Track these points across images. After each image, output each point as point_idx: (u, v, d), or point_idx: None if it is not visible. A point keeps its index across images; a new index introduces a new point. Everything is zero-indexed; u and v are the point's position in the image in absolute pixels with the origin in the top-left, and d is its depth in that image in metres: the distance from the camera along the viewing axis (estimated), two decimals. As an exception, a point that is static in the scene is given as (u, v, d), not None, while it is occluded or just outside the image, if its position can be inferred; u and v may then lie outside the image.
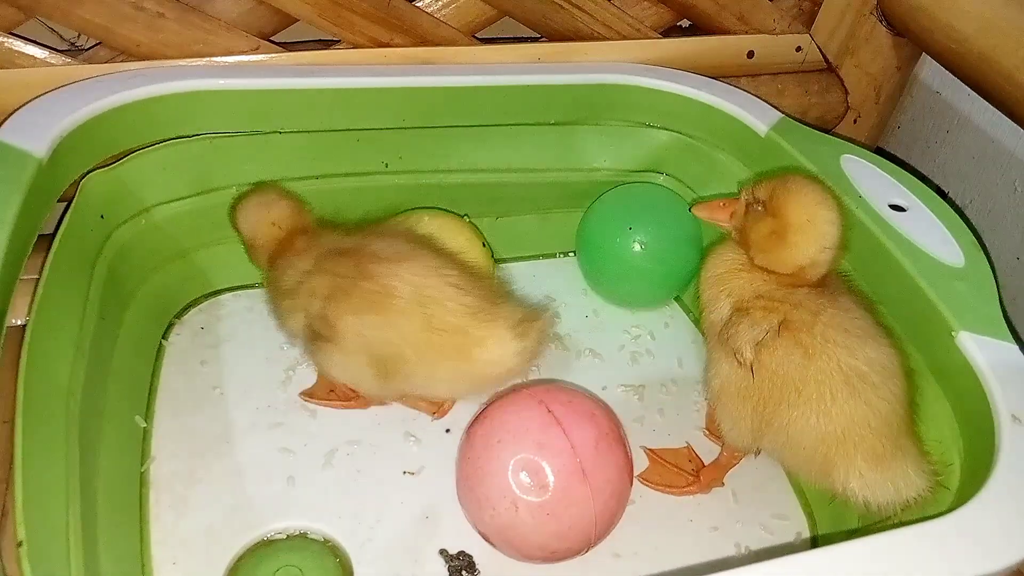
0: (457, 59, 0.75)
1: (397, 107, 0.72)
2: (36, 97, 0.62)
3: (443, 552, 0.59)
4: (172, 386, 0.68)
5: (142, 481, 0.60)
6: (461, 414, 0.67)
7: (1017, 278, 0.80)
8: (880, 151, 0.92)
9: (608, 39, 0.79)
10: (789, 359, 0.53)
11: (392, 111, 0.72)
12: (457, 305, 0.58)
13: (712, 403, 0.62)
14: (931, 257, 0.58)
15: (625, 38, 0.80)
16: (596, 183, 0.81)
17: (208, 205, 0.71)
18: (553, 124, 0.78)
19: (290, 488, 0.62)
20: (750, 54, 0.84)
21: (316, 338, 0.60)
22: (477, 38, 0.77)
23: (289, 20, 0.71)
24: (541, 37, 0.80)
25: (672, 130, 0.79)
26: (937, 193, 0.65)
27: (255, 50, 0.70)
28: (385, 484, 0.63)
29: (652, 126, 0.80)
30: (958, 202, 0.87)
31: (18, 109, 0.60)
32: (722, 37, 0.83)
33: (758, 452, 0.61)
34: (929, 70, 0.89)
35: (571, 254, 0.85)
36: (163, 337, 0.71)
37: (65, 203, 0.61)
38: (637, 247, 0.75)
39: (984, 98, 0.75)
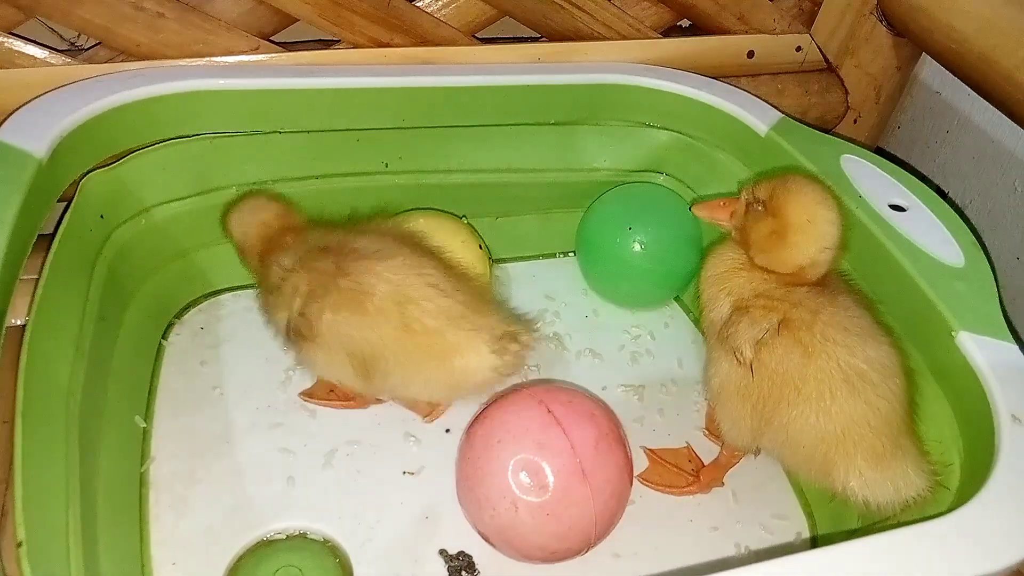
0: (457, 59, 0.75)
1: (397, 107, 0.72)
2: (36, 97, 0.62)
3: (443, 552, 0.59)
4: (172, 386, 0.68)
5: (142, 481, 0.60)
6: (461, 414, 0.67)
7: (1017, 278, 0.80)
8: (880, 151, 0.92)
9: (608, 39, 0.79)
10: (789, 358, 0.53)
11: (392, 111, 0.72)
12: (434, 306, 0.57)
13: (712, 402, 0.62)
14: (931, 257, 0.58)
15: (625, 38, 0.80)
16: (596, 183, 0.81)
17: (208, 205, 0.71)
18: (553, 124, 0.78)
19: (290, 488, 0.62)
20: (750, 54, 0.84)
21: (297, 335, 0.60)
22: (477, 38, 0.77)
23: (289, 20, 0.71)
24: (541, 37, 0.80)
25: (672, 130, 0.79)
26: (937, 193, 0.65)
27: (255, 50, 0.70)
28: (385, 484, 0.63)
29: (652, 126, 0.80)
30: (958, 202, 0.87)
31: (18, 109, 0.60)
32: (722, 37, 0.83)
33: (758, 452, 0.61)
34: (929, 70, 0.89)
35: (571, 254, 0.85)
36: (163, 337, 0.71)
37: (65, 203, 0.61)
38: (637, 247, 0.75)
39: (984, 98, 0.75)
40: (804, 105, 0.87)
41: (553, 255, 0.86)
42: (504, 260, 0.83)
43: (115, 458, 0.57)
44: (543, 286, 0.82)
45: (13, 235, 0.50)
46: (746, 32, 0.83)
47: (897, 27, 0.84)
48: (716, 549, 0.62)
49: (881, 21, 0.84)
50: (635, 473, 0.61)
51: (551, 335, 0.77)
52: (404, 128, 0.73)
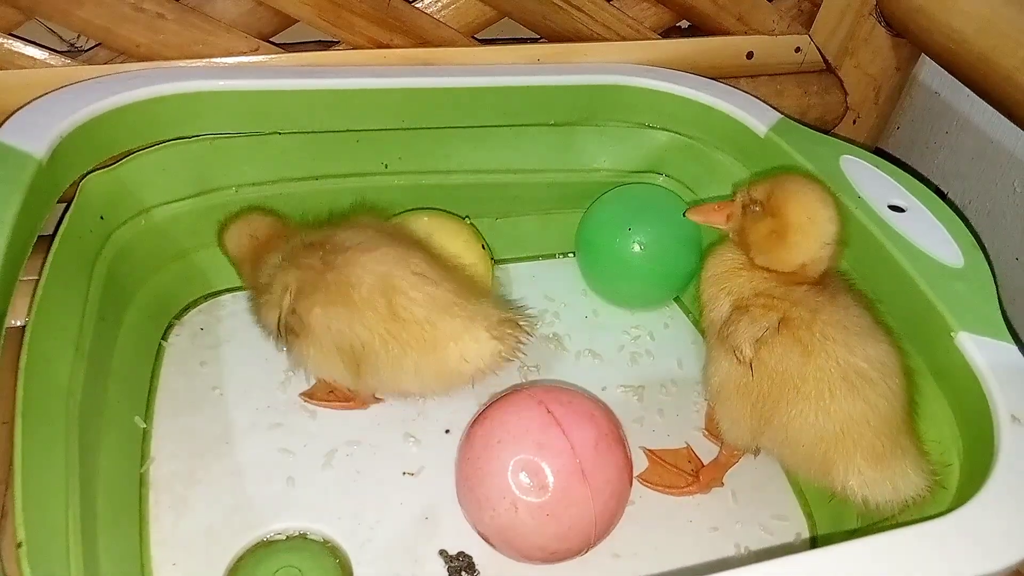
0: (457, 60, 0.75)
1: (397, 108, 0.72)
2: (36, 98, 0.62)
3: (443, 553, 0.59)
4: (172, 387, 0.68)
5: (142, 481, 0.60)
6: (461, 414, 0.67)
7: (1016, 278, 0.80)
8: (879, 152, 0.92)
9: (607, 40, 0.79)
10: (788, 356, 0.53)
11: (392, 112, 0.72)
12: (422, 295, 0.57)
13: (711, 401, 0.62)
14: (930, 258, 0.58)
15: (624, 39, 0.80)
16: (596, 184, 0.81)
17: (208, 206, 0.71)
18: (553, 125, 0.78)
19: (290, 489, 0.62)
20: (749, 55, 0.84)
21: (288, 332, 0.60)
22: (477, 39, 0.77)
23: (289, 21, 0.71)
24: (541, 38, 0.80)
25: (671, 131, 0.79)
26: (936, 194, 0.65)
27: (255, 51, 0.70)
28: (385, 484, 0.63)
29: (652, 127, 0.80)
30: (957, 203, 0.87)
31: (18, 110, 0.60)
32: (721, 38, 0.83)
33: (757, 452, 0.61)
34: (928, 71, 0.89)
35: (571, 255, 0.85)
36: (163, 338, 0.71)
37: (65, 204, 0.61)
38: (637, 248, 0.75)
39: (983, 99, 0.75)
40: (803, 106, 0.87)
41: (553, 255, 0.86)
42: (504, 261, 0.83)
43: (115, 458, 0.57)
44: (543, 286, 0.82)
45: (13, 235, 0.50)
46: (745, 33, 0.83)
47: (896, 28, 0.84)
48: (716, 549, 0.62)
49: (880, 22, 0.84)
50: (635, 473, 0.61)
51: (551, 335, 0.77)
52: (404, 129, 0.73)
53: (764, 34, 0.84)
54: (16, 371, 0.49)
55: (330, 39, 0.73)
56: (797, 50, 0.86)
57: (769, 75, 0.86)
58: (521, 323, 0.59)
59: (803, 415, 0.52)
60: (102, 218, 0.65)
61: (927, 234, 0.60)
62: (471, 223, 0.75)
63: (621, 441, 0.57)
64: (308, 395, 0.68)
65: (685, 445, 0.68)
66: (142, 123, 0.65)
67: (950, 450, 0.53)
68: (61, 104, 0.61)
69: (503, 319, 0.58)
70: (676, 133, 0.79)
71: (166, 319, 0.73)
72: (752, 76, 0.85)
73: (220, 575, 0.56)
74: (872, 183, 0.65)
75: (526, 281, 0.83)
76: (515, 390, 0.59)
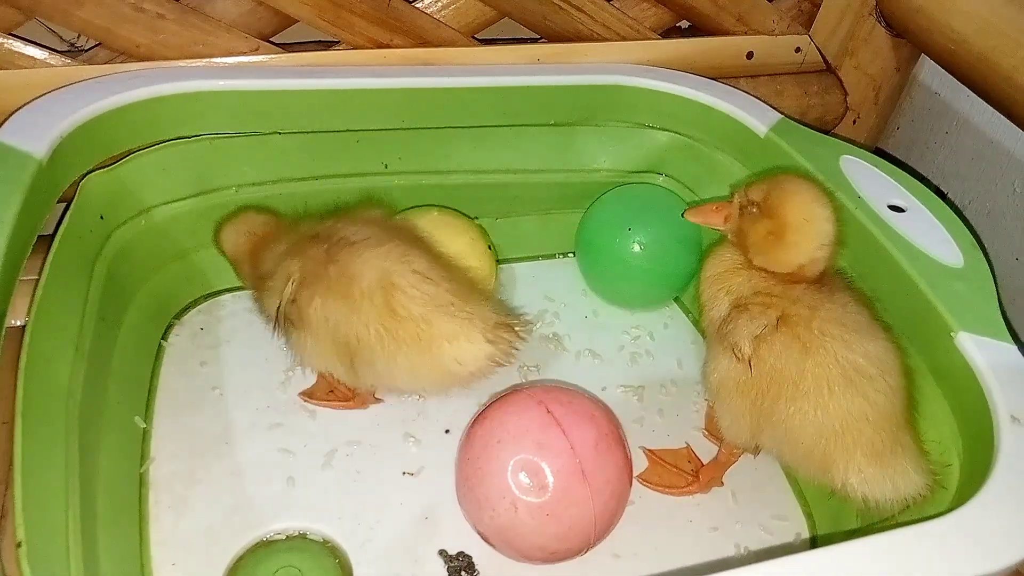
0: (457, 60, 0.75)
1: (397, 108, 0.72)
2: (36, 98, 0.62)
3: (442, 553, 0.59)
4: (172, 387, 0.68)
5: (141, 482, 0.60)
6: (461, 414, 0.67)
7: (1016, 278, 0.80)
8: (879, 152, 0.92)
9: (607, 40, 0.79)
10: (787, 354, 0.53)
11: (392, 112, 0.72)
12: (420, 293, 0.57)
13: (711, 399, 0.63)
14: (930, 258, 0.58)
15: (624, 39, 0.80)
16: (596, 184, 0.81)
17: (208, 206, 0.71)
18: (553, 125, 0.78)
19: (290, 489, 0.62)
20: (749, 55, 0.84)
21: (287, 323, 0.60)
22: (477, 39, 0.77)
23: (289, 21, 0.71)
24: (540, 38, 0.80)
25: (671, 131, 0.79)
26: (936, 194, 0.65)
27: (255, 51, 0.70)
28: (385, 485, 0.63)
29: (651, 127, 0.80)
30: (957, 203, 0.87)
31: (18, 110, 0.60)
32: (721, 38, 0.83)
33: (757, 451, 0.61)
34: (928, 71, 0.89)
35: (571, 255, 0.85)
36: (163, 338, 0.71)
37: (65, 203, 0.61)
38: (636, 248, 0.75)
39: (983, 99, 0.75)
40: (803, 106, 0.87)
41: (553, 256, 0.86)
42: (504, 261, 0.83)
43: (115, 458, 0.57)
44: (543, 287, 0.82)
45: (13, 235, 0.50)
46: (745, 33, 0.83)
47: (896, 28, 0.84)
48: (716, 549, 0.62)
49: (880, 22, 0.84)
50: (635, 474, 0.61)
51: (551, 335, 0.77)
52: (404, 129, 0.73)
53: (764, 34, 0.84)
54: (16, 371, 0.49)
55: (330, 39, 0.73)
56: (797, 50, 0.86)
57: (769, 75, 0.86)
58: (517, 328, 0.59)
59: (802, 412, 0.53)
60: (102, 218, 0.65)
61: (927, 234, 0.60)
62: (478, 223, 0.75)
63: (621, 441, 0.57)
64: (308, 395, 0.68)
65: (685, 445, 0.68)
66: (142, 123, 0.65)
67: (950, 450, 0.53)
68: (61, 104, 0.61)
69: (499, 323, 0.58)
70: (676, 133, 0.79)
71: (166, 319, 0.73)
72: (752, 76, 0.85)
73: (220, 575, 0.56)
74: (872, 183, 0.65)
75: (526, 281, 0.83)
76: (515, 390, 0.59)
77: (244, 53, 0.70)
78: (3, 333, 0.47)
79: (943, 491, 0.51)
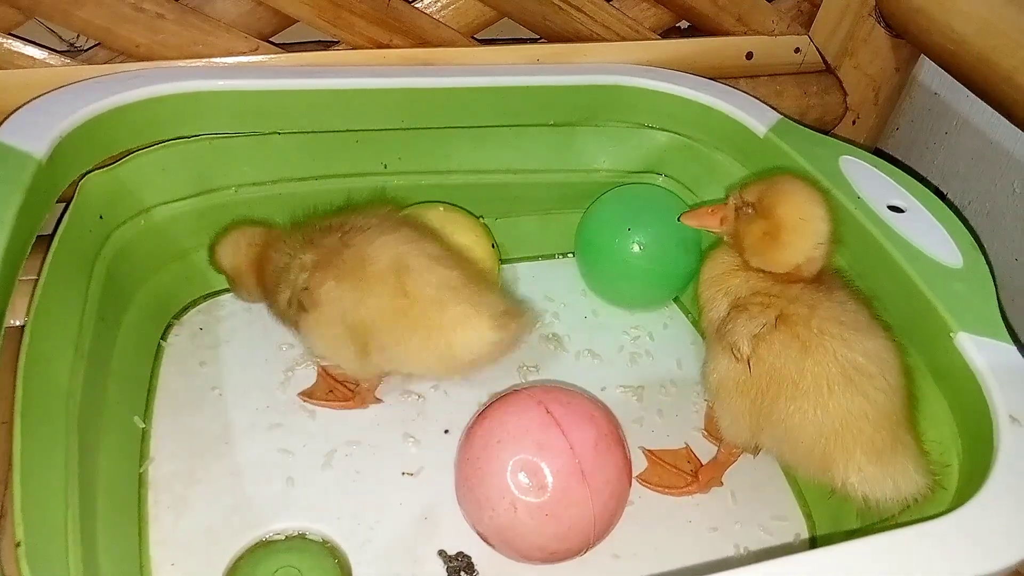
0: (456, 60, 0.75)
1: (396, 108, 0.72)
2: (35, 98, 0.62)
3: (442, 553, 0.59)
4: (171, 387, 0.68)
5: (141, 481, 0.60)
6: (460, 414, 0.67)
7: (1016, 279, 0.80)
8: (879, 152, 0.92)
9: (607, 40, 0.79)
10: (786, 353, 0.53)
11: (391, 112, 0.72)
12: (434, 276, 0.58)
13: (711, 399, 0.63)
14: (929, 258, 0.58)
15: (624, 39, 0.80)
16: (595, 184, 0.81)
17: (208, 206, 0.71)
18: (552, 125, 0.78)
19: (289, 489, 0.62)
20: (749, 55, 0.84)
21: (299, 309, 0.60)
22: (476, 39, 0.77)
23: (288, 21, 0.71)
24: (540, 38, 0.80)
25: (671, 131, 0.79)
26: (936, 194, 0.65)
27: (254, 51, 0.70)
28: (384, 485, 0.63)
29: (651, 127, 0.80)
30: (957, 203, 0.87)
31: (17, 109, 0.60)
32: (721, 38, 0.83)
33: (757, 451, 0.61)
34: (928, 71, 0.89)
35: (570, 255, 0.85)
36: (162, 338, 0.71)
37: (65, 203, 0.61)
38: (636, 248, 0.75)
39: (983, 99, 0.75)
40: (803, 106, 0.87)
41: (552, 256, 0.86)
42: (504, 261, 0.83)
43: (114, 458, 0.57)
44: (543, 287, 0.82)
45: (13, 235, 0.50)
46: (745, 33, 0.83)
47: (896, 28, 0.84)
48: (715, 550, 0.62)
49: (880, 22, 0.84)
50: (634, 474, 0.61)
51: (550, 335, 0.77)
52: (403, 129, 0.73)
53: (764, 34, 0.84)
54: (15, 371, 0.49)
55: (330, 39, 0.73)
56: (797, 50, 0.86)
57: (769, 75, 0.86)
58: (523, 315, 0.60)
59: (802, 411, 0.53)
60: (102, 218, 0.65)
61: (926, 234, 0.60)
62: (483, 222, 0.75)
63: (620, 441, 0.57)
64: (307, 395, 0.68)
65: (684, 445, 0.68)
66: (142, 123, 0.65)
67: (949, 450, 0.53)
68: (61, 104, 0.61)
69: (508, 310, 0.59)
70: (676, 133, 0.79)
71: (166, 319, 0.73)
72: (752, 76, 0.85)
73: (219, 575, 0.56)
74: (871, 183, 0.65)
75: (526, 281, 0.83)
76: (515, 390, 0.59)
77: (244, 53, 0.70)
78: (2, 333, 0.47)
79: (943, 491, 0.51)
